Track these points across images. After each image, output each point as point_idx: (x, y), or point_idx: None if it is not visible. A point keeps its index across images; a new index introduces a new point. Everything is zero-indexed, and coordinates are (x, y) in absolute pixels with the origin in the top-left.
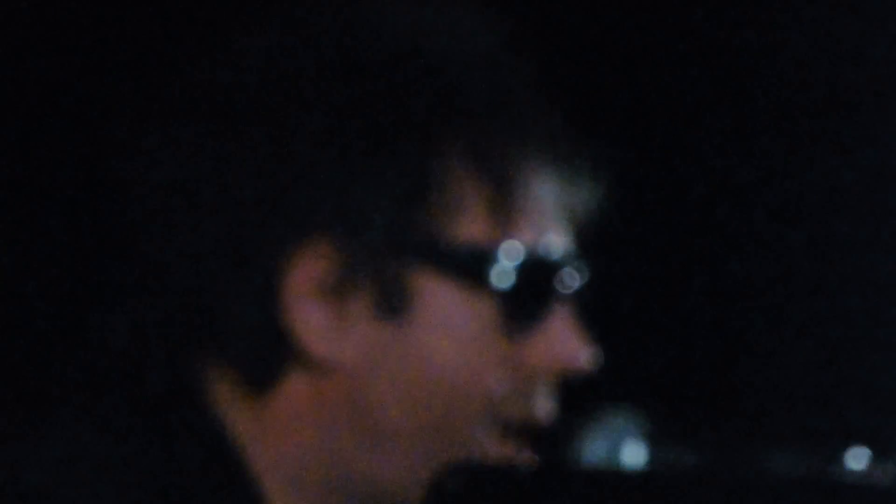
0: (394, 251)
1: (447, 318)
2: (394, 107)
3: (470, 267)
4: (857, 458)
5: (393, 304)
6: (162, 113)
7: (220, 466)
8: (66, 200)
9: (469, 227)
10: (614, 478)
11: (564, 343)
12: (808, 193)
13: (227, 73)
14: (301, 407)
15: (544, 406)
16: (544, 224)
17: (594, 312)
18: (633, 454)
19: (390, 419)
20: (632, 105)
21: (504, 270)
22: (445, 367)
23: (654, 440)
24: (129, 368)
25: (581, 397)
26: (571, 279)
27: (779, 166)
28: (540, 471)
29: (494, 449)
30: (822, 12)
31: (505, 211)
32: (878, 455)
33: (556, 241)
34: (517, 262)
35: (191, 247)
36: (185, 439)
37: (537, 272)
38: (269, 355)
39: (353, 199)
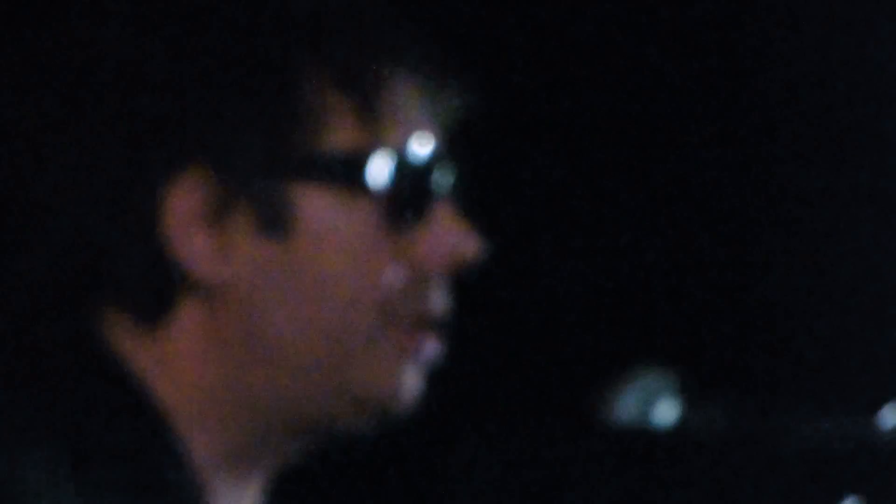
0: (268, 170)
1: (329, 227)
2: (255, 31)
3: (344, 175)
4: (891, 415)
5: (274, 221)
6: (24, 62)
7: (124, 407)
8: None
9: (339, 138)
10: (645, 437)
11: (448, 236)
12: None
13: (79, 31)
14: (197, 336)
15: (439, 300)
16: (412, 129)
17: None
18: (666, 414)
19: (287, 338)
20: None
21: (378, 175)
22: (334, 276)
23: (687, 400)
24: (23, 322)
25: (615, 357)
26: (446, 176)
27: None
28: (571, 430)
29: (394, 343)
30: None
31: (372, 120)
32: None
33: (426, 143)
34: (389, 165)
35: (68, 190)
36: (87, 385)
37: (410, 172)
38: (158, 287)
39: (223, 125)
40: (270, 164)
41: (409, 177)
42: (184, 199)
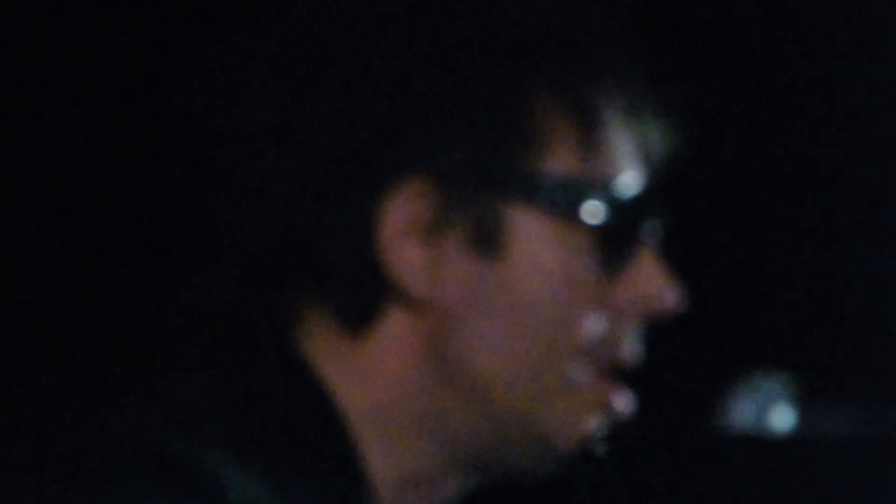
0: (487, 189)
1: (541, 253)
2: (485, 47)
3: (561, 201)
4: None
5: (487, 240)
6: (245, 65)
7: (310, 411)
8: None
9: (561, 165)
10: (762, 442)
11: (653, 283)
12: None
13: (314, 17)
14: (397, 351)
15: (633, 347)
16: (630, 167)
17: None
18: (783, 418)
19: (487, 363)
20: (719, 55)
21: (595, 206)
22: (539, 303)
23: (805, 404)
24: (227, 318)
25: (732, 361)
26: (658, 221)
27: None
28: (688, 435)
29: (589, 389)
30: None
31: (594, 152)
32: None
33: (644, 182)
34: (607, 200)
35: (287, 191)
36: (277, 383)
37: (627, 210)
38: (365, 294)
39: (450, 137)
40: (492, 180)
41: (623, 215)
42: (402, 208)
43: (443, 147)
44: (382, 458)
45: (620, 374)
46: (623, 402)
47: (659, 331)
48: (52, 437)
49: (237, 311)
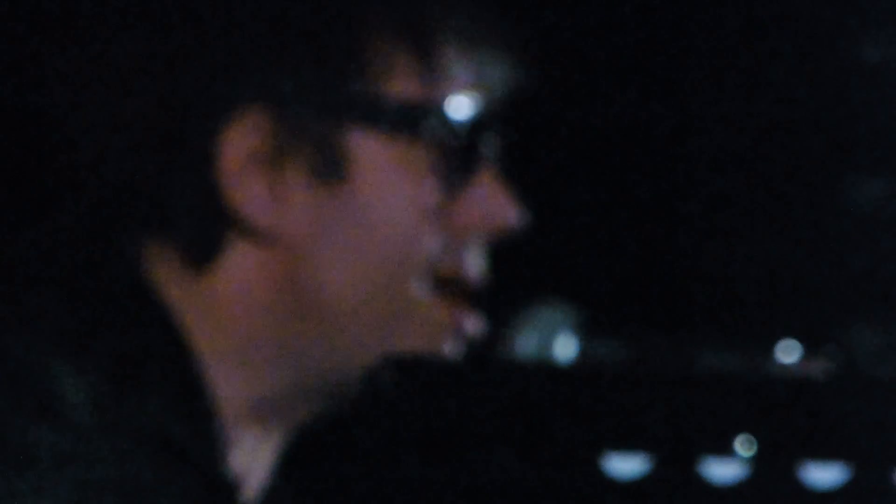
0: (326, 115)
1: (383, 176)
2: None
3: (401, 124)
4: (787, 352)
5: (330, 167)
6: (74, 10)
7: (162, 347)
8: None
9: (398, 88)
10: (545, 371)
11: (494, 202)
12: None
13: None
14: (244, 281)
15: (476, 264)
16: (467, 89)
17: (533, 188)
18: (565, 348)
19: (335, 287)
20: None
21: (433, 128)
22: (386, 225)
23: (586, 334)
24: (72, 259)
25: (516, 290)
26: (497, 141)
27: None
28: (473, 364)
29: (436, 311)
30: None
31: (431, 74)
32: (809, 348)
33: (483, 104)
34: (445, 120)
35: (123, 129)
36: (127, 321)
37: (462, 131)
38: (209, 229)
39: (285, 67)
40: (330, 107)
41: (462, 135)
42: (241, 140)
43: (277, 77)
44: (236, 386)
45: (467, 296)
46: (471, 323)
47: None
48: None
49: (85, 247)
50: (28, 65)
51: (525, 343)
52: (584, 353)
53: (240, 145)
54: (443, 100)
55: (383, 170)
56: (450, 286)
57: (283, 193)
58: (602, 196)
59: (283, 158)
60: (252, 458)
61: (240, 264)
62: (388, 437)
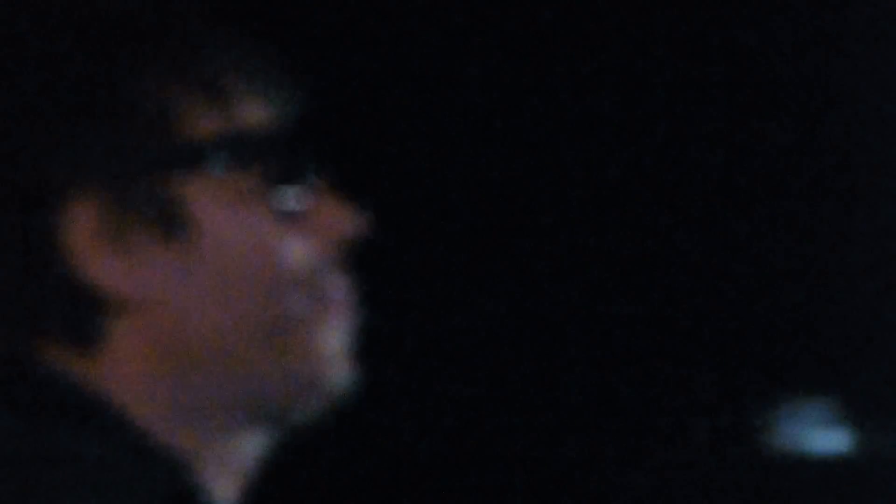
0: (144, 176)
1: (220, 218)
2: (104, 55)
3: (209, 160)
4: None
5: (169, 224)
6: None
7: (86, 412)
8: None
9: (194, 127)
10: (810, 464)
11: (331, 215)
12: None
13: None
14: (133, 349)
15: (339, 279)
16: (264, 112)
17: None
18: (831, 441)
19: (214, 335)
20: None
21: (242, 154)
22: (240, 265)
23: (856, 426)
24: None
25: (779, 387)
26: (309, 158)
27: None
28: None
29: (315, 317)
30: None
31: (222, 107)
32: None
33: (279, 125)
34: (248, 144)
35: None
36: (39, 399)
37: (270, 150)
38: (80, 314)
39: (86, 141)
40: (144, 168)
41: (271, 155)
42: (81, 220)
43: (87, 151)
44: (173, 438)
45: (339, 303)
46: (348, 319)
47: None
48: None
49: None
50: None
51: (787, 436)
52: (853, 446)
53: (81, 224)
54: (239, 125)
55: (216, 211)
56: (324, 298)
57: (134, 261)
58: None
59: (124, 230)
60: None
61: (122, 334)
62: None
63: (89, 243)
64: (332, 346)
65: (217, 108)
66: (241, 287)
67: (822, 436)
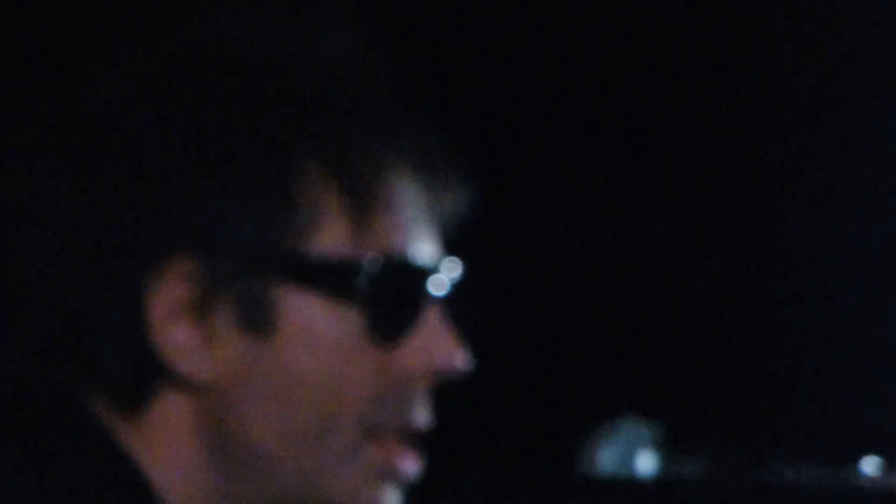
0: (254, 267)
1: (311, 330)
2: (249, 123)
3: (331, 279)
4: (869, 466)
5: (256, 319)
6: (30, 140)
7: (118, 480)
8: None
9: (330, 238)
10: (626, 485)
11: (437, 346)
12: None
13: (81, 102)
14: (179, 426)
15: (422, 412)
16: (410, 230)
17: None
18: (646, 463)
19: (264, 439)
20: (498, 107)
21: (368, 280)
22: (315, 381)
23: (666, 450)
24: (10, 396)
25: (596, 408)
26: (441, 282)
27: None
28: (554, 478)
29: (374, 458)
30: None
31: (367, 221)
32: (890, 462)
33: (423, 246)
34: (381, 271)
35: (58, 273)
36: (81, 458)
37: (403, 279)
38: (139, 375)
39: (210, 218)
40: (256, 259)
41: (402, 283)
42: (168, 288)
43: (205, 228)
44: None
45: (409, 441)
46: (410, 465)
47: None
48: None
49: (25, 384)
50: None
51: (606, 458)
52: (665, 468)
53: (168, 294)
54: (379, 250)
55: (310, 322)
56: (395, 434)
57: (209, 343)
58: (679, 314)
59: (210, 308)
60: None
61: (172, 409)
62: None
63: (170, 312)
64: (380, 494)
65: (362, 224)
66: (308, 402)
67: (640, 457)
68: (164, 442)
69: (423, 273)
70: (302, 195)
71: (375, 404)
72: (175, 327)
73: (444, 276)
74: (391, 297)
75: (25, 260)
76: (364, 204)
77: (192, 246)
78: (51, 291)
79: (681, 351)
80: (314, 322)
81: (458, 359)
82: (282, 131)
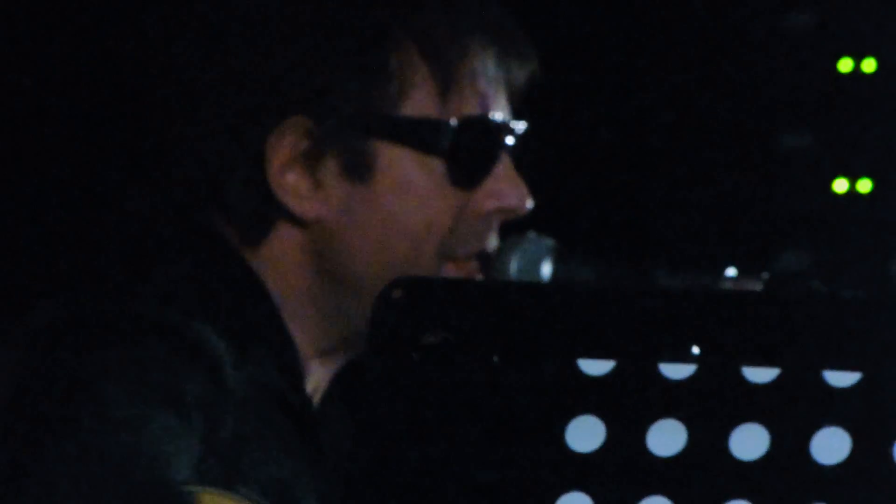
0: (356, 126)
1: (403, 177)
2: (355, 9)
3: (419, 136)
4: (729, 274)
5: (357, 169)
6: (170, 34)
7: (264, 313)
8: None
9: (419, 105)
10: (532, 288)
11: (509, 189)
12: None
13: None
14: (293, 255)
15: (493, 241)
16: (487, 95)
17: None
18: (547, 270)
19: (363, 263)
20: None
21: (450, 136)
22: (404, 217)
23: (563, 260)
24: (157, 226)
25: (510, 227)
26: (510, 138)
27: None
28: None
29: (452, 275)
30: None
31: (452, 88)
32: (745, 271)
33: (497, 108)
34: (461, 129)
35: (199, 130)
36: (236, 289)
37: (480, 136)
38: (261, 213)
39: (322, 86)
40: (358, 120)
41: (480, 140)
42: (286, 142)
43: (318, 92)
44: (299, 334)
45: (482, 259)
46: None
47: None
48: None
49: (172, 219)
50: (145, 65)
51: (512, 266)
52: (560, 274)
53: (284, 147)
54: (459, 112)
55: (402, 171)
56: (463, 258)
57: (318, 187)
58: (588, 154)
59: (319, 160)
60: (313, 385)
61: (288, 241)
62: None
63: (286, 162)
64: None
65: (444, 93)
66: (399, 233)
67: (543, 266)
68: (281, 268)
69: (496, 131)
70: (397, 69)
71: (454, 236)
72: (290, 174)
73: (513, 134)
74: (470, 150)
75: (170, 118)
76: (449, 74)
77: (306, 108)
78: (191, 145)
79: (579, 179)
80: (405, 171)
81: (524, 200)
82: (381, 16)
